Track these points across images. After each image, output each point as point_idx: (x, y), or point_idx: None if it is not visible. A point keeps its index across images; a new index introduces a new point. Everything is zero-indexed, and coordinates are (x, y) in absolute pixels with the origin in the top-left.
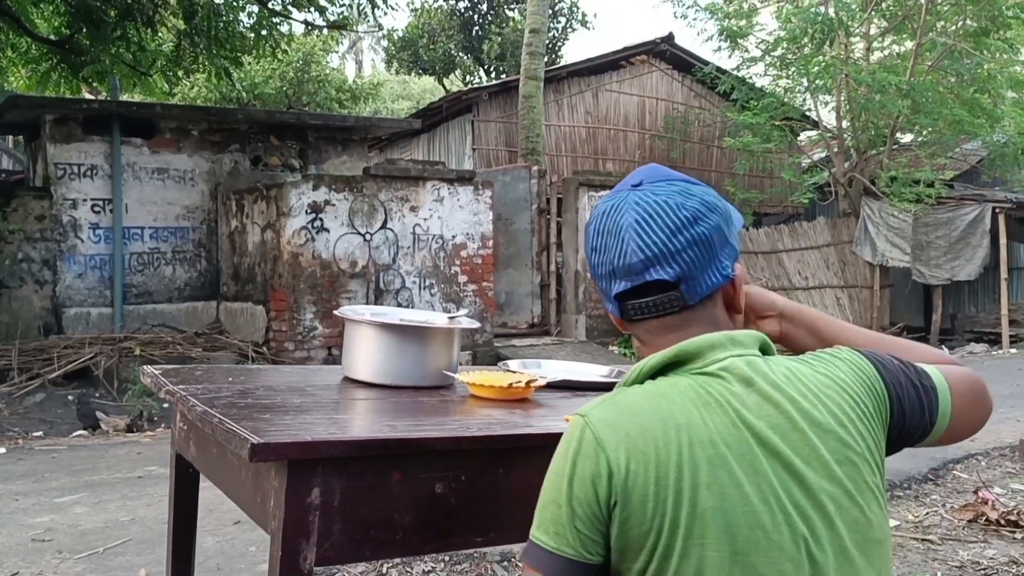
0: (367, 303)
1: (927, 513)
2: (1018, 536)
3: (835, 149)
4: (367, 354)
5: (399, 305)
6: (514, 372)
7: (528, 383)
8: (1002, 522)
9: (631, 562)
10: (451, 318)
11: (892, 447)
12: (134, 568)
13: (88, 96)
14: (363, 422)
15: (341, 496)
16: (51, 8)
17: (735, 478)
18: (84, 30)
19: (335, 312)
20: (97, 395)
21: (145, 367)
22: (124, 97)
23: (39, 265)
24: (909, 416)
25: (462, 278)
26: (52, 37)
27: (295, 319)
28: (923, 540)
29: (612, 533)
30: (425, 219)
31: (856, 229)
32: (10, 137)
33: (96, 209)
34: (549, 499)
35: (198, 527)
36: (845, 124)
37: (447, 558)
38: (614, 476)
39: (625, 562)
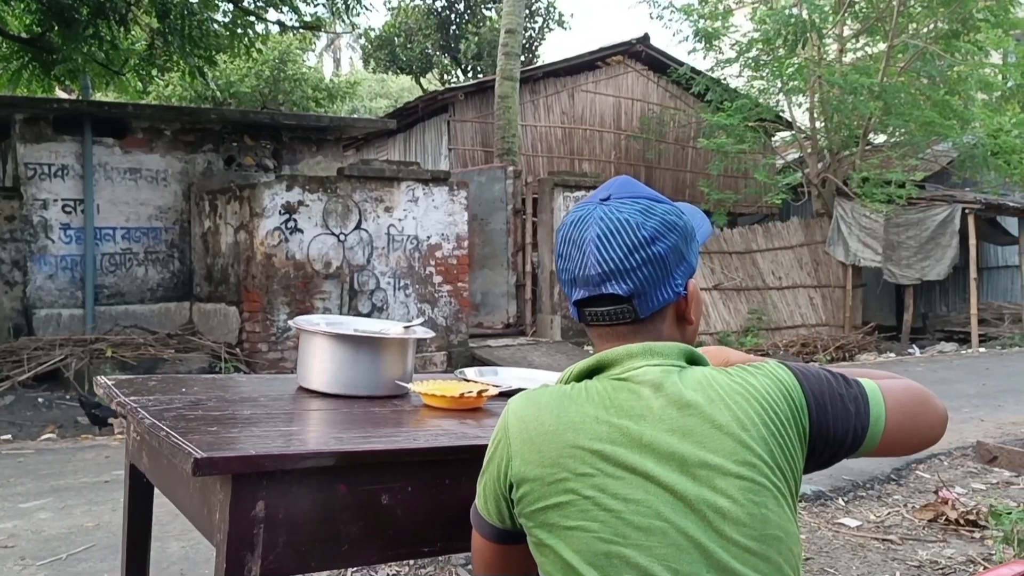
0: (341, 304)
1: (889, 513)
2: (976, 536)
3: (808, 150)
4: (321, 364)
5: (374, 306)
6: (469, 381)
7: (480, 393)
8: (961, 522)
9: (531, 532)
10: (406, 327)
11: (822, 455)
12: (97, 574)
13: (62, 94)
14: (312, 434)
15: (286, 509)
16: (22, 6)
17: (617, 471)
18: (56, 28)
19: (290, 322)
20: (68, 397)
21: (99, 377)
22: (98, 96)
23: (9, 266)
24: (834, 424)
25: (437, 279)
26: (23, 35)
27: (268, 320)
28: (883, 540)
29: (513, 509)
30: (400, 220)
31: (829, 229)
32: None
33: (67, 209)
34: (482, 470)
35: (164, 533)
36: (818, 125)
37: (412, 562)
38: (511, 463)
39: (529, 533)
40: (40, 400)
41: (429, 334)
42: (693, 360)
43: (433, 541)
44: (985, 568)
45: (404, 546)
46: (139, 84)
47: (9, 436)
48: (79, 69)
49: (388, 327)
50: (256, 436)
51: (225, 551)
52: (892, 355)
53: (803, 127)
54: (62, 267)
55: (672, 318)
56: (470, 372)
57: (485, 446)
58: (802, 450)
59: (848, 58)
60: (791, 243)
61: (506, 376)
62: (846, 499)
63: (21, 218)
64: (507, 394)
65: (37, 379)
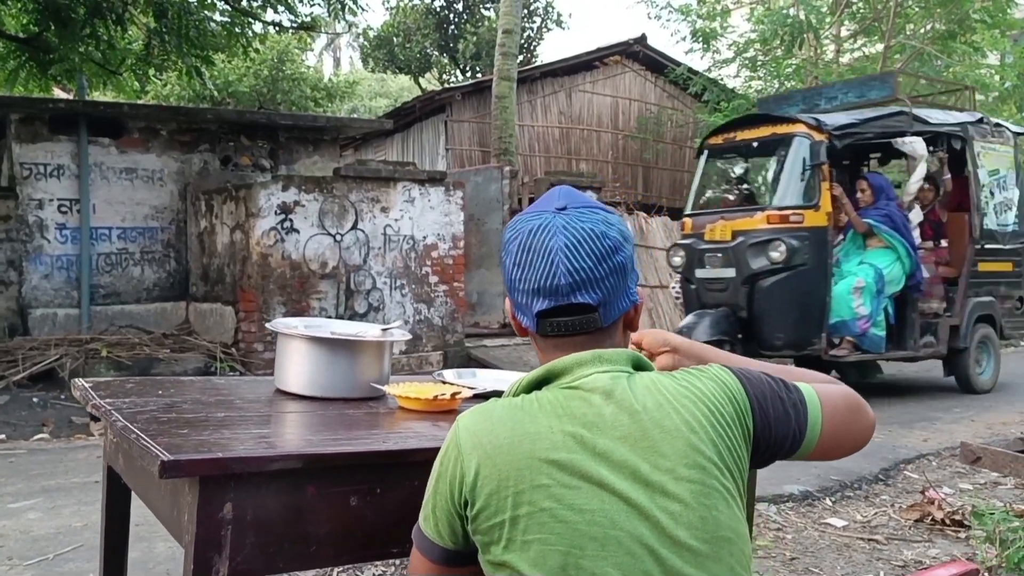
0: (338, 304)
1: (875, 513)
2: (962, 535)
3: None
4: (297, 366)
5: (370, 306)
6: (446, 383)
7: (453, 395)
8: (947, 522)
9: (487, 550)
10: (384, 330)
11: (762, 456)
12: (83, 574)
13: (60, 94)
14: (282, 436)
15: (254, 510)
16: (19, 5)
17: (573, 481)
18: (53, 27)
19: (267, 325)
20: (63, 397)
21: (76, 380)
22: (95, 95)
23: (4, 266)
24: (775, 426)
25: (433, 278)
26: (20, 35)
27: (264, 320)
28: (869, 540)
29: (468, 527)
30: (396, 220)
31: None
32: None
33: (63, 209)
34: (427, 490)
35: (151, 533)
36: None
37: (397, 562)
38: (465, 479)
39: (484, 551)
40: (35, 400)
41: (406, 337)
42: (639, 366)
43: (403, 542)
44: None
45: (374, 547)
46: (136, 84)
47: (3, 436)
48: (76, 69)
49: (366, 330)
50: (227, 439)
51: (193, 553)
52: None
53: None
54: (58, 267)
55: (621, 326)
56: (448, 374)
57: None
58: (747, 450)
59: (845, 58)
60: None
61: (484, 379)
62: (833, 499)
63: (17, 218)
64: (481, 396)
65: (32, 379)
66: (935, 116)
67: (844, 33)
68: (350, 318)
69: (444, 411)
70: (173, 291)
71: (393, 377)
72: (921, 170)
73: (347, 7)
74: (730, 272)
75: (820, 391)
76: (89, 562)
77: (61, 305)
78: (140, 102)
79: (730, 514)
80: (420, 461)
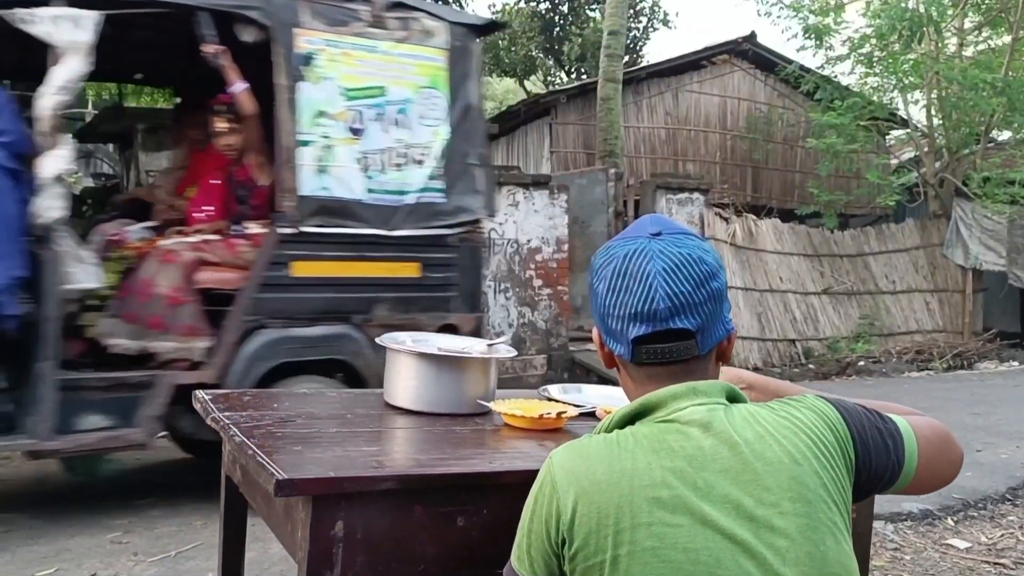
0: None
1: (1002, 535)
2: None
3: (925, 149)
4: (405, 381)
5: None
6: (551, 400)
7: (559, 414)
8: None
9: None
10: (489, 345)
11: (861, 489)
12: (203, 572)
13: None
14: (391, 455)
15: (364, 529)
16: None
17: (676, 519)
18: None
19: (376, 340)
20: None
21: (197, 392)
22: None
23: None
24: (875, 457)
25: (537, 282)
26: None
27: None
28: (995, 564)
29: (565, 567)
30: (500, 224)
31: (947, 231)
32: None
33: None
34: (519, 529)
35: (267, 535)
36: (936, 123)
37: None
38: (562, 517)
39: None
40: None
41: (512, 353)
42: (734, 398)
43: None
44: None
45: (479, 568)
46: None
47: None
48: None
49: (472, 345)
50: (339, 456)
51: (306, 569)
52: (1016, 363)
53: (919, 125)
54: None
55: (715, 357)
56: (553, 389)
57: None
58: (850, 482)
59: (968, 52)
60: (906, 245)
61: (590, 394)
62: (955, 519)
63: None
64: (588, 414)
65: None
66: None
67: (967, 25)
68: None
69: (550, 430)
70: None
71: (499, 391)
72: (65, 72)
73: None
74: None
75: (912, 423)
76: (208, 560)
77: None
78: None
79: (838, 549)
80: (526, 482)
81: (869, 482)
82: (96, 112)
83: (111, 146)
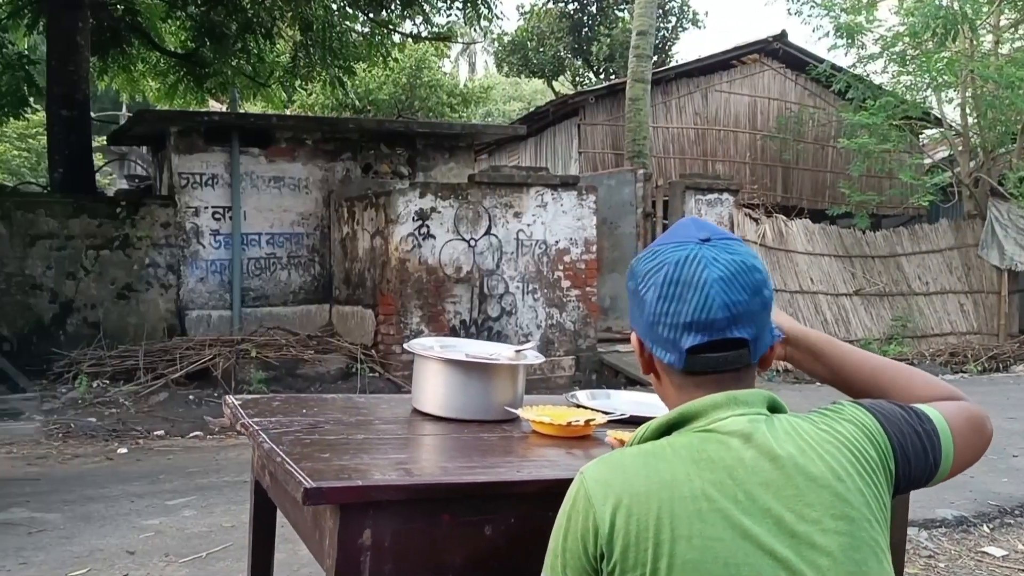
0: (471, 308)
1: None
2: None
3: (959, 148)
4: (433, 388)
5: (503, 310)
6: (579, 407)
7: (587, 422)
8: None
9: None
10: (517, 351)
11: (895, 493)
12: (233, 574)
13: (215, 105)
14: (419, 463)
15: (392, 537)
16: (177, 23)
17: (716, 532)
18: (208, 43)
19: (405, 346)
20: (216, 395)
21: (226, 397)
22: (246, 107)
23: (164, 270)
24: (914, 463)
25: (565, 283)
26: (178, 51)
27: (402, 323)
28: None
29: None
30: (528, 225)
31: (982, 232)
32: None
33: (216, 216)
34: (551, 547)
35: (296, 536)
36: (971, 122)
37: None
38: (600, 532)
39: None
40: (190, 398)
41: (540, 359)
42: (775, 407)
43: (536, 573)
44: None
45: None
46: (284, 95)
47: (162, 432)
48: (229, 82)
49: (500, 351)
50: (367, 464)
51: None
52: None
53: (954, 124)
54: (212, 271)
55: (757, 364)
56: (582, 395)
57: None
58: (890, 494)
59: (1004, 49)
60: (939, 246)
61: (619, 401)
62: (991, 526)
63: (176, 225)
64: (617, 422)
65: (188, 377)
66: None
67: (1003, 22)
68: (483, 322)
69: (578, 437)
70: (317, 294)
71: (527, 397)
72: None
73: (482, 15)
74: None
75: (947, 416)
76: (238, 561)
77: (215, 307)
78: (287, 113)
79: (880, 570)
80: (554, 491)
81: (907, 487)
82: (130, 115)
83: (144, 148)
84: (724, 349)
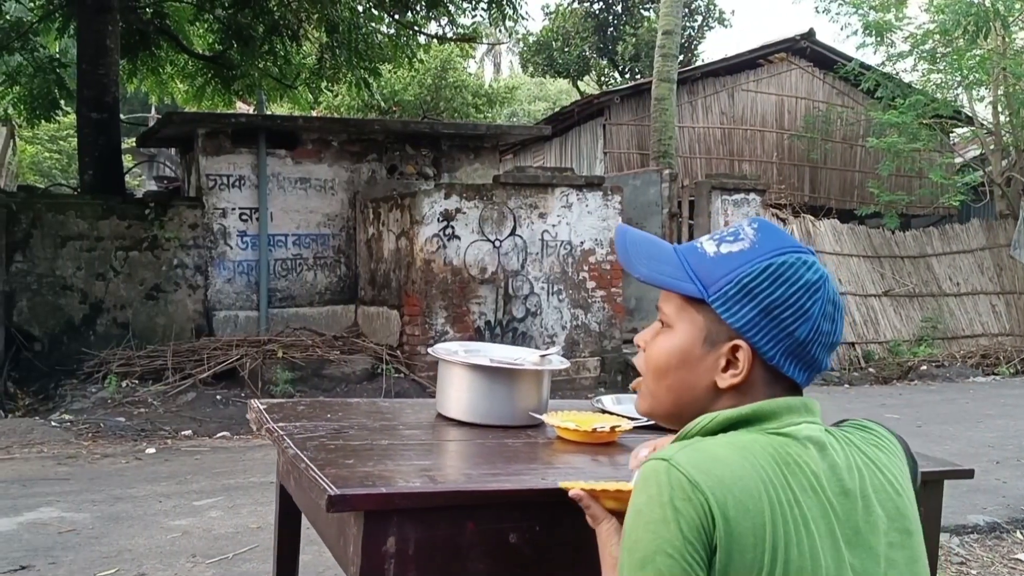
0: (496, 308)
1: None
2: None
3: (991, 147)
4: (458, 393)
5: (528, 311)
6: (605, 412)
7: (613, 428)
8: None
9: None
10: (542, 356)
11: None
12: (259, 575)
13: (242, 107)
14: (443, 469)
15: (416, 545)
16: (205, 26)
17: (815, 542)
18: (235, 46)
19: (429, 350)
20: (243, 395)
21: (252, 401)
22: (273, 109)
23: (192, 271)
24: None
25: (590, 284)
26: (206, 53)
27: (427, 323)
28: None
29: None
30: (553, 225)
31: (1014, 232)
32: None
33: (244, 217)
34: (653, 549)
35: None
36: (1002, 120)
37: None
38: (717, 522)
39: None
40: (218, 397)
41: (565, 364)
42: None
43: None
44: None
45: None
46: (309, 96)
47: (190, 431)
48: (256, 84)
49: (524, 356)
50: (391, 471)
51: None
52: None
53: (985, 122)
54: (239, 272)
55: None
56: (607, 400)
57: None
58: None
59: None
60: (970, 246)
61: None
62: None
63: (203, 226)
64: (643, 428)
65: (216, 377)
66: None
67: None
68: (508, 323)
69: (603, 443)
70: (343, 295)
71: (552, 401)
72: None
73: (507, 16)
74: None
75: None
76: (264, 563)
77: (242, 308)
78: (313, 114)
79: None
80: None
81: None
82: (158, 117)
83: (172, 150)
84: None
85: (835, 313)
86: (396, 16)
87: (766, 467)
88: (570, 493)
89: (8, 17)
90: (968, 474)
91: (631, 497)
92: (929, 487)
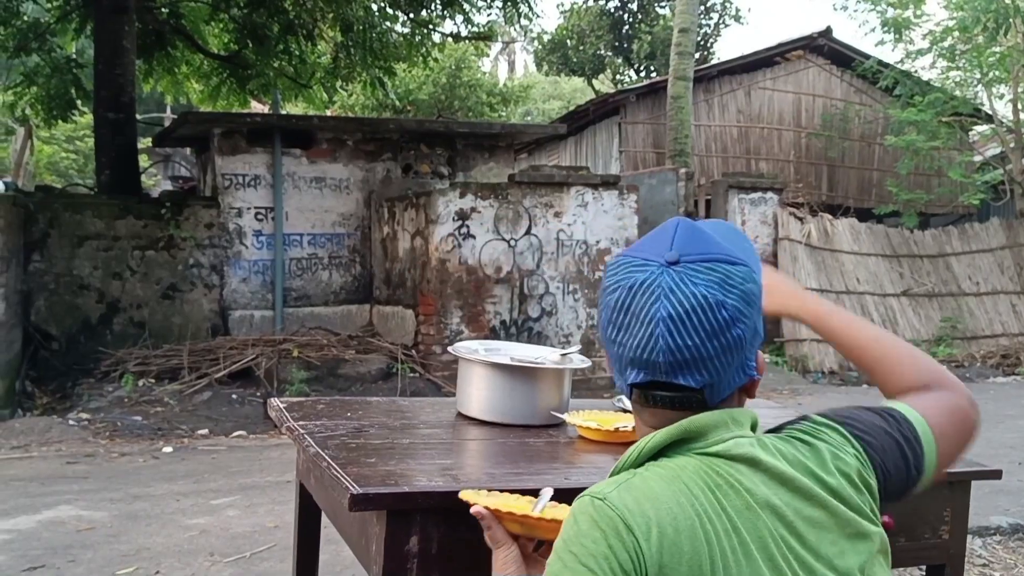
0: (511, 308)
1: None
2: None
3: (1011, 145)
4: (478, 392)
5: (543, 310)
6: (625, 412)
7: (634, 428)
8: None
9: None
10: (563, 355)
11: (881, 501)
12: (277, 574)
13: (257, 107)
14: (465, 468)
15: (439, 544)
16: (220, 26)
17: (756, 565)
18: (250, 45)
19: (450, 349)
20: (258, 394)
21: (272, 400)
22: (288, 108)
23: (208, 270)
24: (895, 477)
25: None
26: (221, 53)
27: (442, 323)
28: None
29: None
30: (569, 224)
31: None
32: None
33: (259, 217)
34: None
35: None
36: (1023, 118)
37: None
38: (648, 566)
39: None
40: (234, 397)
41: (586, 363)
42: (754, 426)
43: None
44: None
45: None
46: (324, 95)
47: (206, 430)
48: (271, 83)
49: (545, 355)
50: (413, 470)
51: None
52: None
53: (1005, 120)
54: (254, 271)
55: (738, 393)
56: (627, 400)
57: None
58: (878, 505)
59: None
60: (991, 246)
61: None
62: None
63: (219, 225)
64: None
65: (231, 376)
66: None
67: None
68: (523, 323)
69: (625, 443)
70: (358, 294)
71: (572, 401)
72: None
73: (522, 14)
74: None
75: (929, 416)
76: (282, 562)
77: (257, 307)
78: (327, 114)
79: None
80: None
81: (887, 498)
82: (174, 117)
83: (188, 150)
84: (671, 390)
85: (624, 319)
86: (411, 15)
87: (699, 496)
88: (472, 509)
89: (26, 18)
90: (996, 475)
91: (561, 531)
92: (956, 487)
